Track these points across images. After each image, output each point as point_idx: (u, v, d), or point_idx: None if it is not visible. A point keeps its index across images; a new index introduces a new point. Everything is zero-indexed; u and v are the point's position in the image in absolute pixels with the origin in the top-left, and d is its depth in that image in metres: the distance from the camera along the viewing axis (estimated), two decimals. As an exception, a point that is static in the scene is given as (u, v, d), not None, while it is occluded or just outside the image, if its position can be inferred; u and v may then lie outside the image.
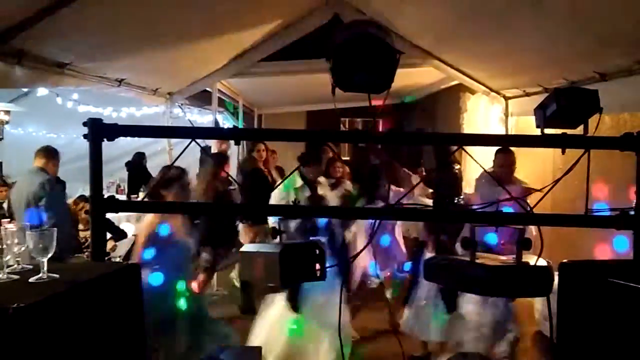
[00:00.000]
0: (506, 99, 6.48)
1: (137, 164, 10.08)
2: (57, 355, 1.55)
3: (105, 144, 2.25)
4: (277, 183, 6.15)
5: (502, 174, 4.54)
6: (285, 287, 4.22)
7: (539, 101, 2.35)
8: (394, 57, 2.14)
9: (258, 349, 2.32)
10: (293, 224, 4.01)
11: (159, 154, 9.63)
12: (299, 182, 5.07)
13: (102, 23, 3.58)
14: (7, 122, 9.18)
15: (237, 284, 6.41)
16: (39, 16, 2.96)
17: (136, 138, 9.17)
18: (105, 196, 2.27)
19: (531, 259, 2.18)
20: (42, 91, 7.05)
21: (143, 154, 10.24)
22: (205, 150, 6.80)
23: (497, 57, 5.36)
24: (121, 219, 6.89)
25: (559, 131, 2.29)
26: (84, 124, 2.20)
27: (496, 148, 4.77)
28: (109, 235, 5.64)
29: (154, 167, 9.93)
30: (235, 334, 3.98)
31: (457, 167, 5.72)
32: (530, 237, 2.25)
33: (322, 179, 5.55)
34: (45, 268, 1.78)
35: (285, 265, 2.10)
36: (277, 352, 4.20)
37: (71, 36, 3.55)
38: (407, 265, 5.19)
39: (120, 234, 6.23)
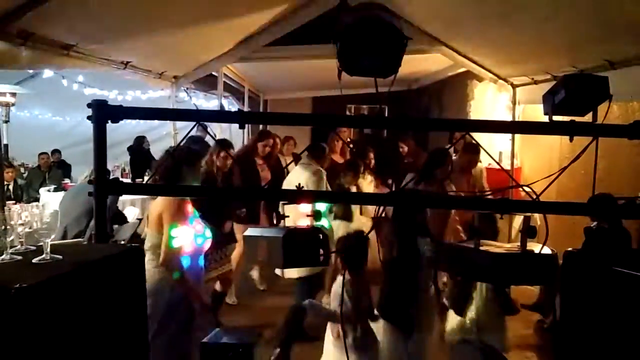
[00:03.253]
0: (514, 86, 6.44)
1: (137, 148, 10.09)
2: (59, 335, 1.56)
3: (111, 128, 2.24)
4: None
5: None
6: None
7: (547, 89, 2.32)
8: (402, 41, 2.12)
9: (258, 331, 2.33)
10: None
11: (164, 138, 9.65)
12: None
13: (108, 5, 3.56)
14: (13, 105, 9.18)
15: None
16: (44, -4, 2.94)
17: (141, 122, 9.26)
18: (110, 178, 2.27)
19: (535, 246, 2.17)
20: (47, 73, 7.04)
21: (143, 137, 10.25)
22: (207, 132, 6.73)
23: (505, 45, 5.31)
24: (125, 203, 6.91)
25: (567, 119, 2.27)
26: (88, 105, 2.19)
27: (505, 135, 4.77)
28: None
29: (158, 151, 9.96)
30: None
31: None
32: (535, 223, 2.25)
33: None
34: (49, 249, 1.78)
35: (289, 250, 2.09)
36: None
37: (77, 18, 3.53)
38: None
39: (119, 217, 6.24)
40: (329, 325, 3.50)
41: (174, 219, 3.07)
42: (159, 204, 3.15)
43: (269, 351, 4.21)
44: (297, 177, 4.91)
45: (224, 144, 5.09)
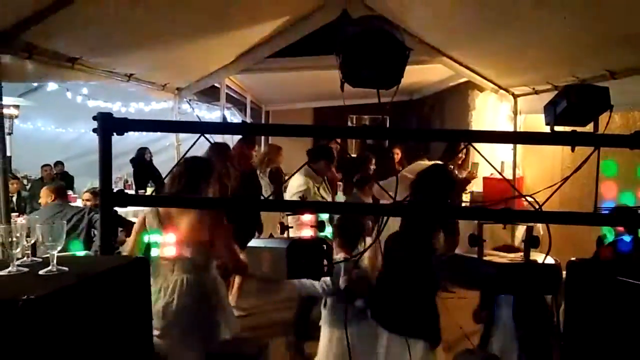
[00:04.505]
0: (515, 96, 6.46)
1: (140, 160, 10.13)
2: (66, 347, 1.56)
3: (113, 139, 2.25)
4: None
5: None
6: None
7: (548, 99, 2.34)
8: (404, 52, 2.14)
9: (263, 342, 2.33)
10: None
11: (167, 150, 9.69)
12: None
13: (112, 17, 3.59)
14: (16, 117, 9.23)
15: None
16: (49, 10, 2.96)
17: (144, 134, 9.26)
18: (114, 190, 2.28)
19: (539, 257, 2.18)
20: (52, 86, 7.11)
21: (145, 148, 10.28)
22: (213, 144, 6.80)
23: (506, 55, 5.33)
24: (128, 214, 6.91)
25: (568, 129, 2.28)
26: (94, 118, 2.21)
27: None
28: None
29: (161, 162, 9.99)
30: None
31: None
32: (538, 235, 2.25)
33: None
34: (55, 261, 1.79)
35: (293, 261, 2.10)
36: None
37: (82, 31, 3.57)
38: None
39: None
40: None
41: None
42: (205, 217, 3.19)
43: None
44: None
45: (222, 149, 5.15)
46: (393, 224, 3.48)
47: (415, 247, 3.23)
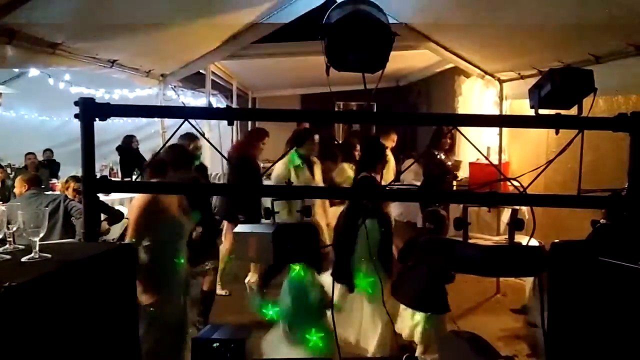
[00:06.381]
0: (501, 82, 6.48)
1: (127, 147, 10.05)
2: (49, 334, 1.56)
3: (99, 127, 2.23)
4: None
5: None
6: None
7: (533, 84, 2.34)
8: (389, 35, 2.13)
9: (249, 327, 2.33)
10: None
11: (152, 137, 9.61)
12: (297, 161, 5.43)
13: (94, 2, 3.54)
14: (-1, 105, 9.10)
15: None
16: (29, -5, 2.91)
17: (129, 121, 9.17)
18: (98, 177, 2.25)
19: (523, 240, 2.19)
20: (33, 72, 6.98)
21: (132, 136, 10.20)
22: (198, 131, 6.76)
23: (492, 40, 5.33)
24: (114, 202, 6.86)
25: (553, 112, 2.29)
26: (76, 103, 2.18)
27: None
28: (103, 217, 5.57)
29: (147, 150, 9.92)
30: None
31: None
32: (523, 217, 2.27)
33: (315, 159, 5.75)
34: (37, 248, 1.77)
35: (279, 246, 2.10)
36: None
37: (63, 15, 3.50)
38: None
39: (115, 216, 6.08)
40: None
41: None
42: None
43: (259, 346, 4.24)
44: None
45: (192, 137, 5.40)
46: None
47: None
